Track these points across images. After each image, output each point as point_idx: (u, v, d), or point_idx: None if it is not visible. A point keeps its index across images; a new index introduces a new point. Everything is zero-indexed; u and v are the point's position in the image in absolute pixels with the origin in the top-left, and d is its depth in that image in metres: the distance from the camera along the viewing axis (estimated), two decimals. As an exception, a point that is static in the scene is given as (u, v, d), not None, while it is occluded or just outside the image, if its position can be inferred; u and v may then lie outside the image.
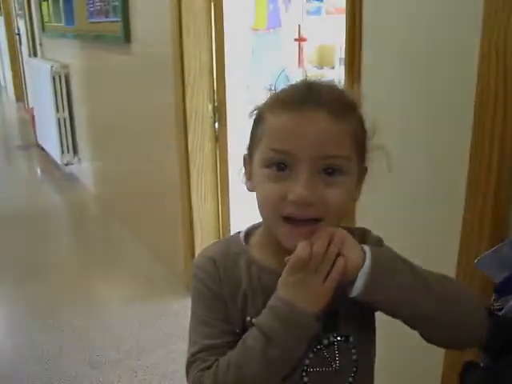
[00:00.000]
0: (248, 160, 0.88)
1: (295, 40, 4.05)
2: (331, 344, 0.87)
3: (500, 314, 1.06)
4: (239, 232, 0.95)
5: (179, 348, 2.30)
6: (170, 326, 2.60)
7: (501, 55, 1.12)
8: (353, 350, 0.89)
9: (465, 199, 1.21)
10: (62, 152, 4.97)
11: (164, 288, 3.03)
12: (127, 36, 3.21)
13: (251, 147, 0.87)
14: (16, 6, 7.57)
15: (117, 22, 3.26)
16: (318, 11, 4.35)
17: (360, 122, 0.84)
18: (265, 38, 3.77)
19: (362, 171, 0.87)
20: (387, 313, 0.84)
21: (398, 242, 0.89)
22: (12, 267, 3.37)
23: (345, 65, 1.60)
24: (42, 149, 5.79)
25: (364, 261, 0.78)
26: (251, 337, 0.81)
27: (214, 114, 2.74)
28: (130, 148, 3.69)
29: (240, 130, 2.39)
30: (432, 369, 1.41)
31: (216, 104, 2.73)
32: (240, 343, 0.82)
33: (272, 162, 0.80)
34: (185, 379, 0.87)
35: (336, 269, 0.77)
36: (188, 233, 2.93)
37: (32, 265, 3.38)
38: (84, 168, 4.92)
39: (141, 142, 3.45)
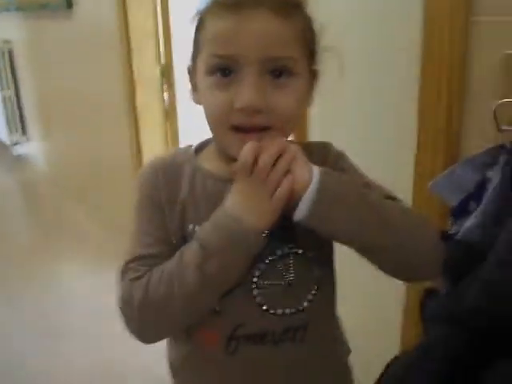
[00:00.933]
0: (192, 71, 0.83)
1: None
2: (286, 255, 0.81)
3: (457, 237, 1.04)
4: (191, 145, 0.90)
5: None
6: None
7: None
8: (313, 266, 0.83)
9: (417, 117, 1.18)
10: (10, 131, 4.78)
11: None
12: (69, 1, 3.08)
13: (194, 56, 0.81)
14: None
15: (57, -14, 3.13)
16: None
17: (307, 21, 0.79)
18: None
19: (314, 75, 0.82)
20: (336, 240, 0.79)
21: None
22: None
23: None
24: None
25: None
26: (189, 249, 0.76)
27: (162, 76, 2.66)
28: (79, 122, 3.56)
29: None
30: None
31: (163, 64, 2.65)
32: (177, 254, 0.77)
33: (216, 68, 0.75)
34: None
35: (283, 186, 0.71)
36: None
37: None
38: (33, 146, 4.75)
39: (90, 114, 3.33)
